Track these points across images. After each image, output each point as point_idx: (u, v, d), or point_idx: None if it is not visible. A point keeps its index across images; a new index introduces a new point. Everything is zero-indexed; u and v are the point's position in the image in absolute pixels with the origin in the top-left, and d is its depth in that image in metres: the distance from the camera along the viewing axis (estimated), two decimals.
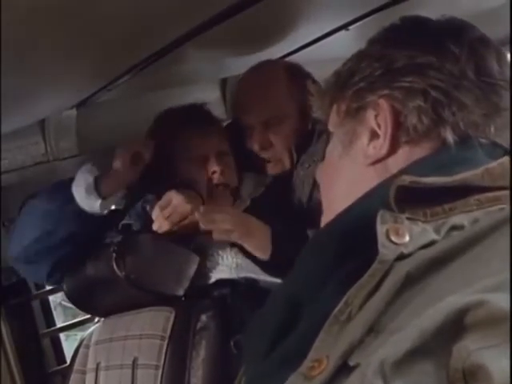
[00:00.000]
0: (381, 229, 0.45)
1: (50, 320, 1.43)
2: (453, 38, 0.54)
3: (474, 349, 0.31)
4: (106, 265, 1.05)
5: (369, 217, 0.46)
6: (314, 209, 1.19)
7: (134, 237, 1.07)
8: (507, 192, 0.47)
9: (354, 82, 0.56)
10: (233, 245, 1.10)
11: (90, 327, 1.23)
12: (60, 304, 2.15)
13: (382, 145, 0.53)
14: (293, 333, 0.48)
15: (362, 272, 0.44)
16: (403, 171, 0.51)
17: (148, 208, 1.18)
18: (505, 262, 0.36)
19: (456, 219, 0.45)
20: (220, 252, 1.13)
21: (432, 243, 0.44)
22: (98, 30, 0.69)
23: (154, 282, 1.07)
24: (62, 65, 0.83)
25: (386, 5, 1.00)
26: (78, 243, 1.09)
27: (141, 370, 1.04)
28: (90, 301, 1.15)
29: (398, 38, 0.57)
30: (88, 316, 1.42)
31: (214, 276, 1.12)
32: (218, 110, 1.44)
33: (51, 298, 1.46)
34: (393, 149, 0.53)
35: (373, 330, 0.39)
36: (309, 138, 1.24)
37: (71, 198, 1.06)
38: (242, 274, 1.10)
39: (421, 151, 0.52)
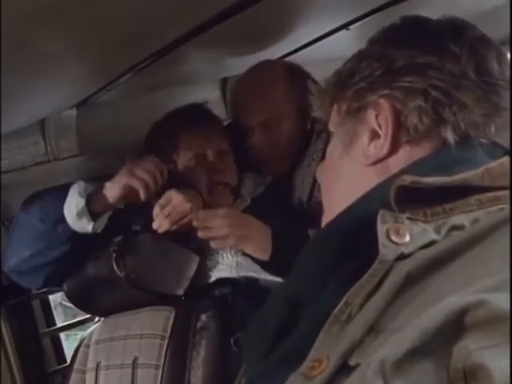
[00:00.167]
0: (381, 228, 0.45)
1: (50, 319, 1.43)
2: (453, 37, 0.54)
3: (474, 349, 0.31)
4: (106, 265, 1.05)
5: (369, 217, 0.46)
6: (314, 208, 1.19)
7: (133, 237, 1.07)
8: (507, 192, 0.47)
9: (354, 82, 0.56)
10: None
11: (90, 327, 1.23)
12: (60, 303, 2.15)
13: (382, 145, 0.53)
14: (293, 333, 0.48)
15: (363, 272, 0.44)
16: (404, 171, 0.51)
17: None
18: (505, 261, 0.36)
19: (456, 219, 0.45)
20: (220, 251, 1.14)
21: (432, 243, 0.44)
22: (98, 29, 0.69)
23: (154, 282, 1.07)
24: (62, 65, 0.83)
25: (386, 4, 1.00)
26: (73, 259, 1.10)
27: (141, 370, 1.04)
28: (90, 301, 1.15)
29: (399, 37, 0.57)
30: (88, 316, 1.42)
31: (215, 275, 1.12)
32: (218, 110, 1.44)
33: (51, 297, 1.46)
34: (393, 149, 0.53)
35: (373, 329, 0.39)
36: (308, 138, 1.25)
37: (62, 219, 1.04)
38: (243, 273, 1.10)
39: (421, 151, 0.52)
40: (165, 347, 1.04)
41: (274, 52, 1.26)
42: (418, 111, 0.52)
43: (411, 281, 0.41)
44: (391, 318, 0.39)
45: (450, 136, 0.51)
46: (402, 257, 0.44)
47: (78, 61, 0.84)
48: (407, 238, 0.44)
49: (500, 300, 0.32)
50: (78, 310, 1.25)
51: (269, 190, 1.25)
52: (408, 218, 0.46)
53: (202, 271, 1.11)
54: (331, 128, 0.61)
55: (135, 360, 1.05)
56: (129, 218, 1.15)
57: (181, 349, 1.04)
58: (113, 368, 1.08)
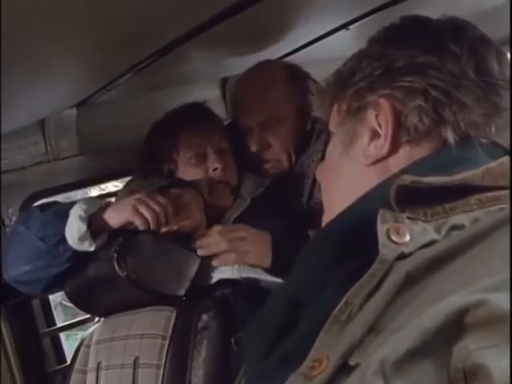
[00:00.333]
0: (381, 228, 0.45)
1: (50, 319, 1.43)
2: (453, 37, 0.54)
3: (474, 348, 0.31)
4: (107, 265, 1.05)
5: (369, 216, 0.46)
6: (314, 209, 1.19)
7: (134, 237, 1.06)
8: (507, 192, 0.47)
9: (354, 82, 0.56)
10: None
11: (90, 327, 1.23)
12: (60, 303, 2.15)
13: (382, 144, 0.53)
14: (293, 333, 0.48)
15: (363, 272, 0.44)
16: (404, 171, 0.51)
17: None
18: (505, 261, 0.36)
19: (456, 219, 0.45)
20: None
21: (432, 243, 0.44)
22: (98, 29, 0.69)
23: (155, 282, 1.07)
24: (62, 64, 0.83)
25: (386, 4, 1.00)
26: (72, 273, 1.10)
27: (142, 370, 1.04)
28: (90, 301, 1.15)
29: (399, 37, 0.57)
30: (88, 315, 1.42)
31: (216, 276, 1.12)
32: (218, 110, 1.44)
33: (51, 297, 1.46)
34: (393, 148, 0.53)
35: (373, 329, 0.39)
36: (308, 138, 1.24)
37: (64, 241, 1.04)
38: (244, 274, 1.09)
39: (421, 151, 0.52)
40: (166, 347, 1.04)
41: (273, 52, 1.26)
42: (418, 111, 0.52)
43: (411, 280, 0.41)
44: (391, 318, 0.39)
45: (450, 136, 0.51)
46: (402, 256, 0.44)
47: (78, 60, 0.84)
48: (407, 238, 0.44)
49: (500, 300, 0.32)
50: (78, 310, 1.25)
51: (268, 190, 1.25)
52: (408, 218, 0.46)
53: (204, 272, 1.11)
54: (331, 128, 0.61)
55: (136, 360, 1.05)
56: None
57: (182, 349, 1.04)
58: (114, 368, 1.08)
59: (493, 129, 0.52)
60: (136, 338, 1.07)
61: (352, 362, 0.38)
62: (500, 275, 0.35)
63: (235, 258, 1.07)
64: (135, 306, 1.11)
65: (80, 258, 1.06)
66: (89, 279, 1.10)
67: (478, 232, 0.43)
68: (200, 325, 1.06)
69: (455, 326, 0.33)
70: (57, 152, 1.35)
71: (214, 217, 1.17)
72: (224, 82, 1.57)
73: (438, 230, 0.45)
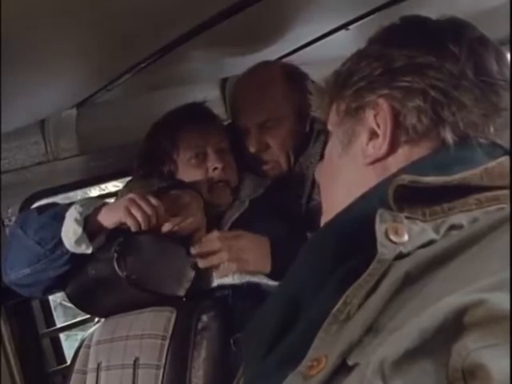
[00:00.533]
0: (380, 228, 0.45)
1: (50, 320, 1.43)
2: (452, 37, 0.54)
3: (473, 348, 0.32)
4: (107, 265, 1.05)
5: (368, 216, 0.46)
6: (313, 211, 1.19)
7: (135, 237, 1.06)
8: (506, 192, 0.47)
9: (353, 82, 0.56)
10: None
11: (90, 327, 1.23)
12: (60, 304, 2.15)
13: (381, 144, 0.53)
14: (292, 332, 0.48)
15: (361, 271, 0.44)
16: (402, 171, 0.51)
17: None
18: (504, 261, 0.36)
19: (455, 219, 0.45)
20: None
21: (431, 242, 0.44)
22: (98, 30, 0.69)
23: (156, 283, 1.07)
24: (62, 65, 0.83)
25: (386, 4, 1.00)
26: (72, 274, 1.10)
27: (142, 370, 1.04)
28: (90, 301, 1.15)
29: (398, 37, 0.57)
30: (88, 316, 1.42)
31: (216, 282, 1.11)
32: (218, 110, 1.45)
33: (51, 298, 1.46)
34: (392, 148, 0.53)
35: (372, 329, 0.39)
36: (306, 140, 1.24)
37: (61, 244, 1.04)
38: (244, 280, 1.09)
39: (420, 151, 0.52)
40: (166, 347, 1.04)
41: (273, 52, 1.26)
42: (416, 111, 0.52)
43: (410, 280, 0.41)
44: (390, 318, 0.39)
45: (448, 136, 0.51)
46: (400, 256, 0.44)
47: (78, 61, 0.84)
48: (406, 238, 0.44)
49: (499, 299, 0.32)
50: (78, 311, 1.25)
51: (268, 192, 1.24)
52: (407, 218, 0.46)
53: (204, 276, 1.11)
54: (330, 128, 0.61)
55: (136, 360, 1.05)
56: None
57: (182, 349, 1.04)
58: (114, 368, 1.08)
59: (492, 129, 0.52)
60: (136, 338, 1.07)
61: (351, 362, 0.38)
62: (499, 275, 0.35)
63: (236, 267, 1.07)
64: (135, 306, 1.11)
65: (79, 259, 1.06)
66: (89, 280, 1.10)
67: (476, 232, 0.43)
68: (200, 325, 1.06)
69: (454, 326, 0.33)
70: (57, 152, 1.35)
71: (214, 217, 1.17)
72: (224, 82, 1.57)
73: (436, 229, 0.45)
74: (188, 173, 1.19)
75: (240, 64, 1.25)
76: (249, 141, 1.24)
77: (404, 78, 0.53)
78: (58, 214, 1.07)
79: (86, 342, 1.16)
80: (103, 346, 1.11)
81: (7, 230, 1.28)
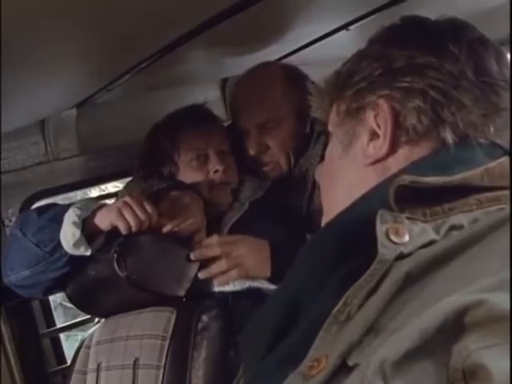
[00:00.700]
0: (380, 228, 0.45)
1: (50, 320, 1.43)
2: (452, 38, 0.54)
3: (473, 348, 0.32)
4: (107, 265, 1.05)
5: (368, 216, 0.46)
6: (313, 213, 1.18)
7: (134, 237, 1.06)
8: (507, 192, 0.47)
9: (353, 82, 0.56)
10: None
11: (90, 327, 1.23)
12: (60, 304, 2.15)
13: (381, 145, 0.53)
14: (292, 333, 0.48)
15: (362, 272, 0.44)
16: (403, 171, 0.51)
17: None
18: (504, 261, 0.36)
19: (455, 219, 0.45)
20: None
21: (431, 243, 0.44)
22: (98, 30, 0.69)
23: (156, 283, 1.07)
24: (63, 65, 0.83)
25: (386, 5, 1.00)
26: (72, 275, 1.10)
27: (142, 371, 1.04)
28: (91, 301, 1.15)
29: (398, 38, 0.57)
30: (88, 316, 1.42)
31: (217, 288, 1.11)
32: (218, 110, 1.45)
33: (51, 298, 1.46)
34: (392, 149, 0.53)
35: (372, 329, 0.39)
36: (307, 141, 1.24)
37: (59, 246, 1.04)
38: (246, 285, 1.09)
39: (420, 151, 0.52)
40: (166, 348, 1.04)
41: (274, 52, 1.26)
42: (416, 111, 0.52)
43: (411, 280, 0.41)
44: (390, 318, 0.39)
45: (448, 136, 0.51)
46: (401, 256, 0.44)
47: (78, 61, 0.84)
48: (406, 238, 0.44)
49: (499, 299, 0.32)
50: (78, 311, 1.25)
51: (268, 194, 1.24)
52: (407, 218, 0.46)
53: (204, 281, 1.11)
54: (330, 128, 0.61)
55: (136, 361, 1.05)
56: None
57: (182, 349, 1.04)
58: (114, 369, 1.08)
59: (492, 129, 0.52)
60: (136, 338, 1.07)
61: (351, 362, 0.38)
62: (499, 275, 0.35)
63: (236, 274, 1.06)
64: (135, 306, 1.11)
65: (79, 261, 1.06)
66: (89, 280, 1.10)
67: (476, 232, 0.43)
68: (200, 325, 1.06)
69: (454, 326, 0.33)
70: (57, 152, 1.35)
71: (214, 218, 1.17)
72: (224, 82, 1.57)
73: (437, 230, 0.45)
74: (189, 174, 1.19)
75: (240, 64, 1.25)
76: (249, 142, 1.24)
77: (404, 79, 0.53)
78: (56, 216, 1.07)
79: (86, 343, 1.16)
80: (103, 346, 1.11)
81: (7, 231, 1.28)
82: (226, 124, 1.35)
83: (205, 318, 1.06)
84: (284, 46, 1.22)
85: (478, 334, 0.32)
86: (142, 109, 1.42)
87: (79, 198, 1.88)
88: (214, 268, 1.07)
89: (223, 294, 1.10)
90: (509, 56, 0.58)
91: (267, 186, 1.25)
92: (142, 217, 1.02)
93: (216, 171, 1.18)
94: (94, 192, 2.13)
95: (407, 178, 0.47)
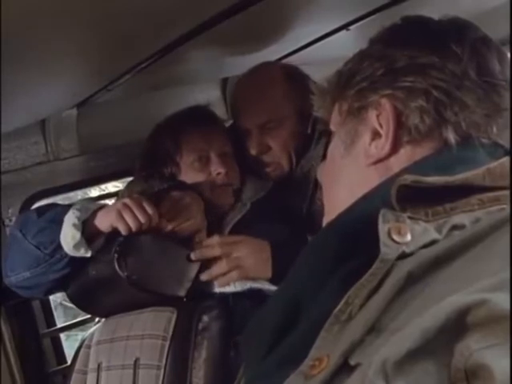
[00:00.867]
0: (382, 228, 0.45)
1: (50, 320, 1.43)
2: (455, 37, 0.54)
3: (475, 348, 0.31)
4: (107, 265, 1.04)
5: (370, 216, 0.46)
6: (314, 214, 1.18)
7: (135, 237, 1.06)
8: (507, 192, 0.47)
9: (355, 82, 0.56)
10: None
11: (90, 327, 1.23)
12: (61, 304, 2.15)
13: (383, 144, 0.53)
14: (293, 333, 0.48)
15: (363, 271, 0.44)
16: (405, 170, 0.51)
17: None
18: (505, 261, 0.36)
19: (457, 219, 0.45)
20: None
21: (433, 242, 0.44)
22: (98, 30, 0.69)
23: (156, 283, 1.07)
24: (63, 65, 0.83)
25: (387, 5, 1.00)
26: (73, 275, 1.10)
27: (142, 371, 1.04)
28: (91, 301, 1.15)
29: (400, 37, 0.57)
30: (88, 316, 1.42)
31: (218, 289, 1.11)
32: (219, 110, 1.44)
33: (52, 298, 1.46)
34: (394, 148, 0.53)
35: (374, 329, 0.39)
36: (308, 141, 1.24)
37: (60, 248, 1.04)
38: (246, 286, 1.09)
39: (422, 151, 0.52)
40: (166, 348, 1.04)
41: (274, 52, 1.26)
42: (419, 111, 0.52)
43: (412, 280, 0.41)
44: (392, 318, 0.39)
45: (451, 136, 0.51)
46: (403, 256, 0.44)
47: (78, 61, 0.84)
48: (408, 238, 0.44)
49: (501, 299, 0.32)
50: (78, 311, 1.25)
51: (270, 194, 1.24)
52: (409, 218, 0.46)
53: (206, 281, 1.11)
54: (332, 128, 0.61)
55: (137, 361, 1.05)
56: None
57: (182, 349, 1.04)
58: (114, 369, 1.08)
59: (494, 129, 0.52)
60: (136, 338, 1.07)
61: (353, 362, 0.38)
62: (501, 275, 0.35)
63: (237, 275, 1.06)
64: (136, 306, 1.11)
65: (79, 262, 1.06)
66: (90, 280, 1.10)
67: (478, 232, 0.43)
68: (201, 325, 1.06)
69: (456, 326, 0.33)
70: (57, 152, 1.35)
71: (215, 218, 1.17)
72: (224, 82, 1.57)
73: (439, 229, 0.45)
74: (190, 175, 1.19)
75: (240, 64, 1.25)
76: (250, 142, 1.23)
77: (406, 78, 0.53)
78: (56, 218, 1.07)
79: (86, 342, 1.16)
80: (103, 346, 1.11)
81: (7, 231, 1.28)
82: (227, 124, 1.35)
83: (205, 318, 1.06)
84: (284, 45, 1.22)
85: (479, 333, 0.32)
86: (142, 109, 1.42)
87: (79, 197, 1.88)
88: (215, 270, 1.07)
89: (224, 294, 1.10)
90: (510, 56, 0.58)
91: (269, 186, 1.25)
92: (143, 219, 1.02)
93: (218, 174, 1.18)
94: (94, 192, 2.13)
95: (409, 178, 0.47)
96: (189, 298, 1.09)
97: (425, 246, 0.44)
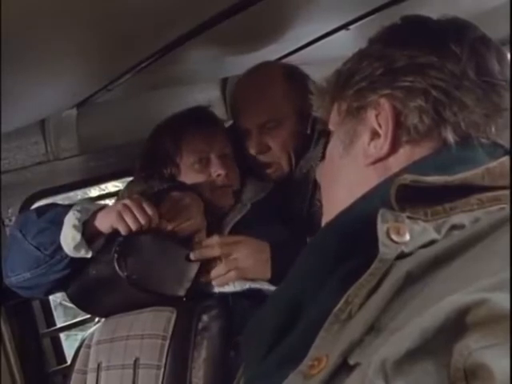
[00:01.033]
0: (381, 227, 0.45)
1: (50, 320, 1.43)
2: (454, 37, 0.54)
3: (475, 348, 0.31)
4: (107, 265, 1.05)
5: (369, 216, 0.46)
6: (313, 214, 1.18)
7: (135, 237, 1.06)
8: (507, 192, 0.47)
9: (354, 82, 0.56)
10: None
11: (90, 327, 1.23)
12: (60, 304, 2.16)
13: (382, 144, 0.53)
14: (292, 332, 0.48)
15: (363, 271, 0.44)
16: (404, 170, 0.51)
17: None
18: (505, 260, 0.36)
19: (456, 218, 0.45)
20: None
21: (432, 242, 0.44)
22: (98, 29, 0.69)
23: (156, 283, 1.07)
24: (63, 65, 0.83)
25: (387, 4, 1.00)
26: (73, 275, 1.10)
27: (142, 370, 1.04)
28: (91, 301, 1.15)
29: (399, 37, 0.57)
30: (88, 316, 1.42)
31: (217, 289, 1.11)
32: (219, 110, 1.44)
33: (51, 297, 1.46)
34: (393, 148, 0.53)
35: (373, 328, 0.39)
36: (308, 142, 1.24)
37: (60, 249, 1.04)
38: (246, 286, 1.09)
39: (421, 151, 0.52)
40: (166, 348, 1.04)
41: (274, 52, 1.26)
42: (418, 111, 0.52)
43: (411, 280, 0.41)
44: (391, 317, 0.39)
45: (450, 136, 0.51)
46: (402, 256, 0.44)
47: (78, 61, 0.84)
48: (407, 237, 0.44)
49: (501, 299, 0.32)
50: (78, 311, 1.25)
51: (270, 195, 1.24)
52: (408, 217, 0.46)
53: (204, 283, 1.11)
54: (331, 127, 0.61)
55: (136, 360, 1.05)
56: None
57: (182, 349, 1.04)
58: (114, 368, 1.08)
59: (493, 129, 0.52)
60: (136, 338, 1.07)
61: (352, 362, 0.38)
62: (500, 274, 0.35)
63: (236, 275, 1.06)
64: (136, 306, 1.11)
65: (79, 262, 1.06)
66: (90, 280, 1.10)
67: (478, 232, 0.43)
68: (200, 325, 1.06)
69: (456, 326, 0.33)
70: (57, 152, 1.35)
71: (215, 218, 1.17)
72: (224, 82, 1.57)
73: (438, 229, 0.45)
74: (190, 176, 1.19)
75: (240, 64, 1.25)
76: (249, 142, 1.23)
77: (405, 78, 0.53)
78: (56, 219, 1.06)
79: (86, 342, 1.16)
80: (103, 345, 1.11)
81: (7, 230, 1.28)
82: (227, 124, 1.35)
83: (205, 317, 1.06)
84: (284, 45, 1.22)
85: (479, 333, 0.32)
86: (142, 109, 1.42)
87: (79, 197, 1.88)
88: (214, 272, 1.07)
89: (223, 294, 1.10)
90: (509, 56, 0.58)
91: (269, 188, 1.25)
92: (143, 220, 1.02)
93: (218, 175, 1.18)
94: (94, 192, 2.13)
95: (408, 177, 0.47)
96: (188, 297, 1.09)
97: (424, 246, 0.44)
